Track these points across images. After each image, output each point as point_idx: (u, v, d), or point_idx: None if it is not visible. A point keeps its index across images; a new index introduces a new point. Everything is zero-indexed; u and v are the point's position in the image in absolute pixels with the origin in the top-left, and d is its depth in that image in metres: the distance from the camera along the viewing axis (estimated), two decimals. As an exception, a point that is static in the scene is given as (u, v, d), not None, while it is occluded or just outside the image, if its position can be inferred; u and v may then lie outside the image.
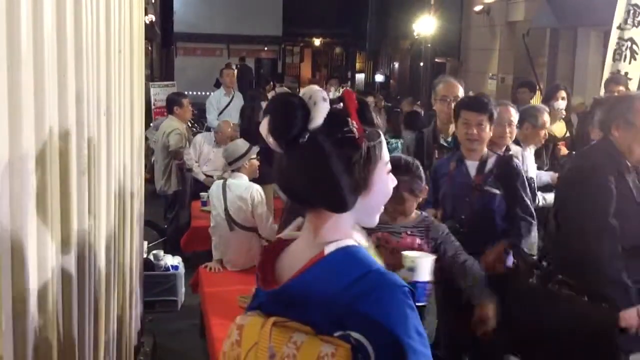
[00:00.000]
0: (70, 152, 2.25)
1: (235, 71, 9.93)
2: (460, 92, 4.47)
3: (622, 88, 6.09)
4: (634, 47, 6.67)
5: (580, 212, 3.17)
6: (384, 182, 1.42)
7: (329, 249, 1.35)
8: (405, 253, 2.30)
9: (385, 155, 1.42)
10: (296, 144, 1.31)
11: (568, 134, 6.24)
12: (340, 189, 1.32)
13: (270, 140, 1.33)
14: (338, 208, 1.36)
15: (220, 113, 8.77)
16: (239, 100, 8.91)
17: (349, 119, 1.33)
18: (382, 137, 1.42)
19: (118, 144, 3.30)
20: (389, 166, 1.43)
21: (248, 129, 6.57)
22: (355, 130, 1.32)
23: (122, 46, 3.43)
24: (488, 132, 3.71)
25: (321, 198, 1.35)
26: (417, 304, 2.21)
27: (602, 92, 6.31)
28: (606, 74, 6.76)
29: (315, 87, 1.37)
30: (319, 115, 1.31)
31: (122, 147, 3.44)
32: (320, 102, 1.32)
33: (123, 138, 3.49)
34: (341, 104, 1.36)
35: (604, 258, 3.02)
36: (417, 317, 1.31)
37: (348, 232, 1.41)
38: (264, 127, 1.34)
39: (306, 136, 1.31)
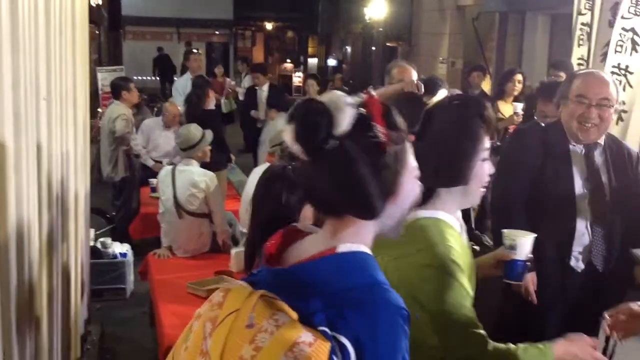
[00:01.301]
0: (6, 139, 2.18)
1: (196, 56, 9.69)
2: (415, 76, 4.50)
3: (562, 73, 6.20)
4: (589, 30, 6.77)
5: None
6: (412, 187, 1.40)
7: (342, 248, 1.32)
8: (506, 231, 2.29)
9: (412, 159, 1.40)
10: (322, 151, 1.28)
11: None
12: (370, 195, 1.30)
13: (295, 147, 1.30)
14: (367, 215, 1.33)
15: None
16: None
17: (374, 124, 1.31)
18: (408, 142, 1.40)
19: (60, 129, 3.22)
20: (417, 171, 1.41)
21: (194, 116, 6.49)
22: (381, 135, 1.30)
23: (63, 28, 3.34)
24: None
25: (350, 205, 1.32)
26: (514, 282, 2.27)
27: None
28: (574, 60, 6.83)
29: (339, 92, 1.34)
30: (345, 120, 1.28)
31: (64, 133, 3.36)
32: (346, 107, 1.29)
33: (66, 123, 3.41)
34: (364, 109, 1.33)
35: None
36: (407, 343, 1.30)
37: (367, 240, 1.38)
38: (288, 135, 1.30)
39: (332, 142, 1.28)
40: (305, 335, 1.21)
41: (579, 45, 6.86)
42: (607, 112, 3.02)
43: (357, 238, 1.35)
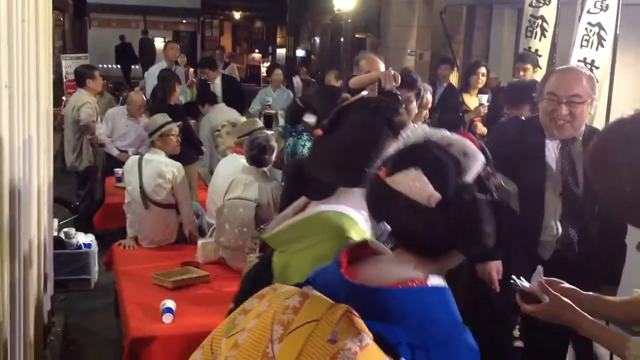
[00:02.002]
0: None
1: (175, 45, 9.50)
2: (382, 68, 4.49)
3: (529, 66, 6.27)
4: (544, 24, 6.87)
5: None
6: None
7: (432, 281, 1.30)
8: None
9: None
10: (452, 200, 1.27)
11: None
12: (488, 241, 1.31)
13: (424, 195, 1.26)
14: (480, 259, 1.35)
15: None
16: (179, 75, 8.72)
17: (491, 171, 1.33)
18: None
19: (22, 117, 3.16)
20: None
21: (159, 111, 6.45)
22: (494, 181, 1.33)
23: (25, 15, 3.28)
24: (414, 108, 3.77)
25: (467, 249, 1.33)
26: None
27: None
28: (521, 50, 6.93)
29: (463, 138, 1.34)
30: (474, 169, 1.30)
31: (26, 121, 3.30)
32: (476, 155, 1.31)
33: (28, 112, 3.35)
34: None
35: None
36: None
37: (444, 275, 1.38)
38: (415, 180, 1.27)
39: (466, 192, 1.28)
40: None
41: (526, 36, 6.99)
42: (579, 108, 3.05)
43: (441, 272, 1.35)
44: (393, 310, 1.25)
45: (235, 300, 2.00)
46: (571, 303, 1.97)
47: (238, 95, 8.84)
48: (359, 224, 1.85)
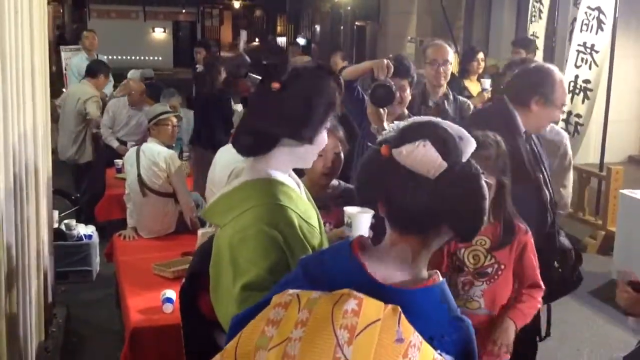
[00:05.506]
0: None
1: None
2: (450, 56, 4.38)
3: (522, 51, 6.25)
4: (540, 7, 6.84)
5: None
6: None
7: (437, 278, 1.40)
8: (346, 208, 2.31)
9: None
10: (449, 172, 1.36)
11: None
12: (483, 214, 1.41)
13: (438, 169, 1.35)
14: (472, 235, 1.45)
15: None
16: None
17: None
18: None
19: (17, 110, 3.16)
20: None
21: (207, 97, 6.42)
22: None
23: (19, 7, 3.26)
24: (408, 95, 3.81)
25: (458, 222, 1.40)
26: None
27: None
28: (529, 35, 6.89)
29: (459, 127, 1.43)
30: (468, 152, 1.39)
31: (22, 114, 3.29)
32: (470, 140, 1.41)
33: (23, 104, 3.34)
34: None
35: None
36: None
37: None
38: (425, 150, 1.35)
39: (462, 165, 1.38)
40: (437, 355, 1.29)
41: (531, 21, 6.94)
42: None
43: (429, 254, 1.44)
44: (413, 311, 1.31)
45: (186, 276, 2.06)
46: None
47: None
48: (287, 184, 1.90)
